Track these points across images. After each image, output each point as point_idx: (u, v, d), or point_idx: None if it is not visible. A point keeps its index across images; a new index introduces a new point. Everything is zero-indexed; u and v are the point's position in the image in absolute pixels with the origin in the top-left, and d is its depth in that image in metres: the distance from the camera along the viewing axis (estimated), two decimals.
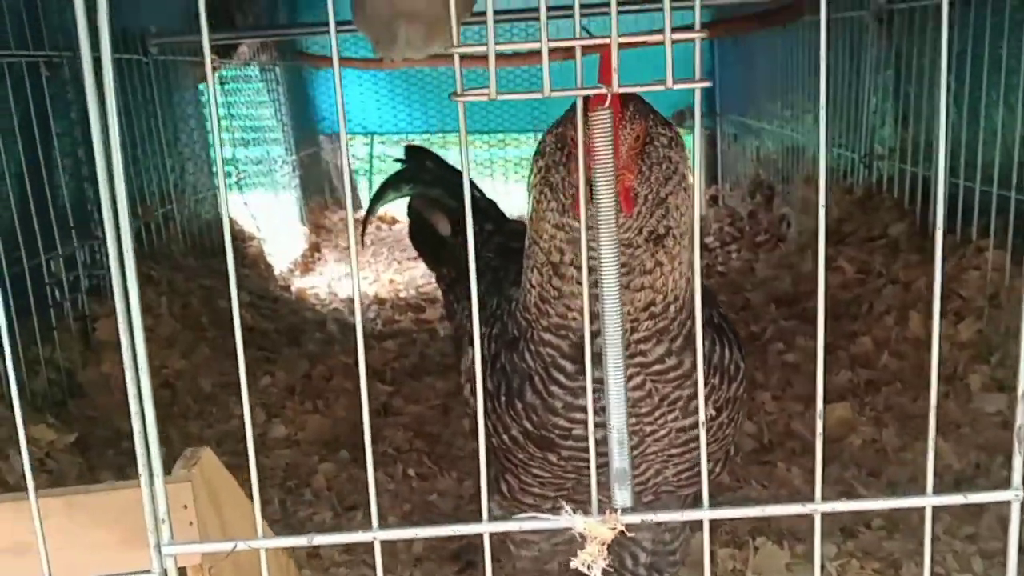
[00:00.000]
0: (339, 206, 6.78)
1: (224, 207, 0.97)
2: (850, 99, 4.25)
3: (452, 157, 7.18)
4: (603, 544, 1.10)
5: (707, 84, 0.99)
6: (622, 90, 1.04)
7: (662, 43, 1.01)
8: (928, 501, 1.03)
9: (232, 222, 4.74)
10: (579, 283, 1.54)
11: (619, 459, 1.12)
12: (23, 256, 2.88)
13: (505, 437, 1.69)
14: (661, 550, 1.94)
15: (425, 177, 2.63)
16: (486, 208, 2.54)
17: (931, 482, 1.07)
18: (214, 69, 4.25)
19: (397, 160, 2.73)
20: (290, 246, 5.64)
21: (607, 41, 0.97)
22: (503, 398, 1.66)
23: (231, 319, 1.03)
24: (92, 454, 2.89)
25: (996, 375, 2.94)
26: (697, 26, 0.99)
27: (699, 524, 1.14)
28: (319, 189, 6.61)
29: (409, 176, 2.65)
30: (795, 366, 3.42)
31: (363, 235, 3.66)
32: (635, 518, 1.10)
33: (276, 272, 5.05)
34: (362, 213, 3.20)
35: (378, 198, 2.69)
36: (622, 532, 1.11)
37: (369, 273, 5.38)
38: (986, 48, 3.14)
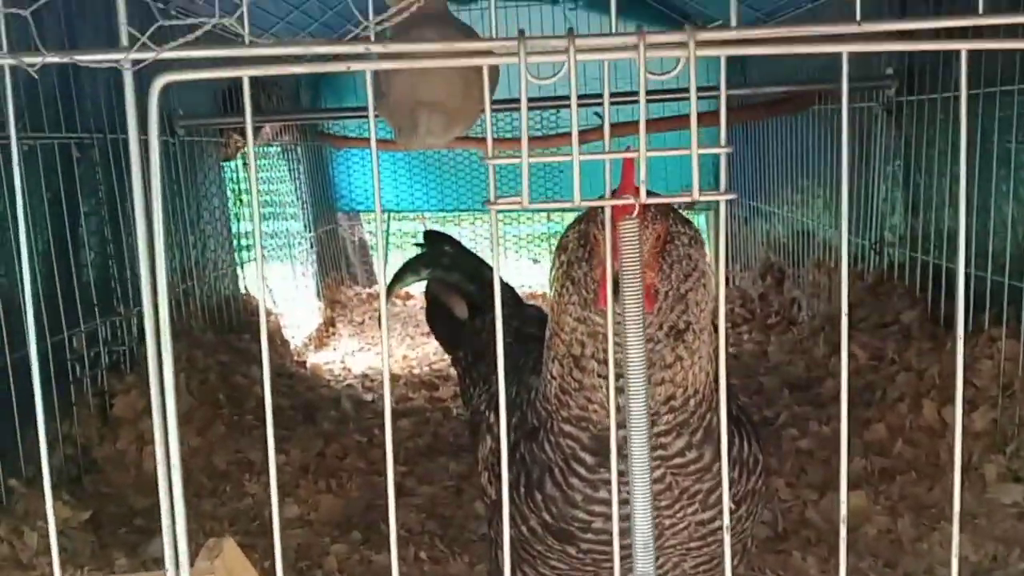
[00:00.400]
0: (355, 281, 6.91)
1: (262, 287, 0.99)
2: (860, 187, 4.32)
3: (466, 235, 7.21)
4: None
5: (732, 196, 1.03)
6: (649, 201, 1.08)
7: (689, 154, 1.06)
8: None
9: (250, 298, 4.79)
10: (600, 376, 1.57)
11: (643, 563, 1.13)
12: (46, 332, 2.93)
13: (523, 528, 1.69)
14: None
15: (443, 261, 2.68)
16: (503, 292, 2.58)
17: None
18: (238, 149, 4.31)
19: (417, 244, 2.78)
20: (306, 321, 5.69)
21: (635, 154, 1.02)
22: (522, 489, 1.67)
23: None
24: (105, 532, 2.88)
25: (1012, 465, 2.93)
26: (723, 141, 1.04)
27: None
28: (335, 265, 6.71)
29: (428, 260, 2.71)
30: (809, 452, 3.41)
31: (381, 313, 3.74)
32: None
33: (292, 347, 5.08)
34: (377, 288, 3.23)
35: (397, 281, 2.73)
36: None
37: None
38: (995, 142, 3.20)
